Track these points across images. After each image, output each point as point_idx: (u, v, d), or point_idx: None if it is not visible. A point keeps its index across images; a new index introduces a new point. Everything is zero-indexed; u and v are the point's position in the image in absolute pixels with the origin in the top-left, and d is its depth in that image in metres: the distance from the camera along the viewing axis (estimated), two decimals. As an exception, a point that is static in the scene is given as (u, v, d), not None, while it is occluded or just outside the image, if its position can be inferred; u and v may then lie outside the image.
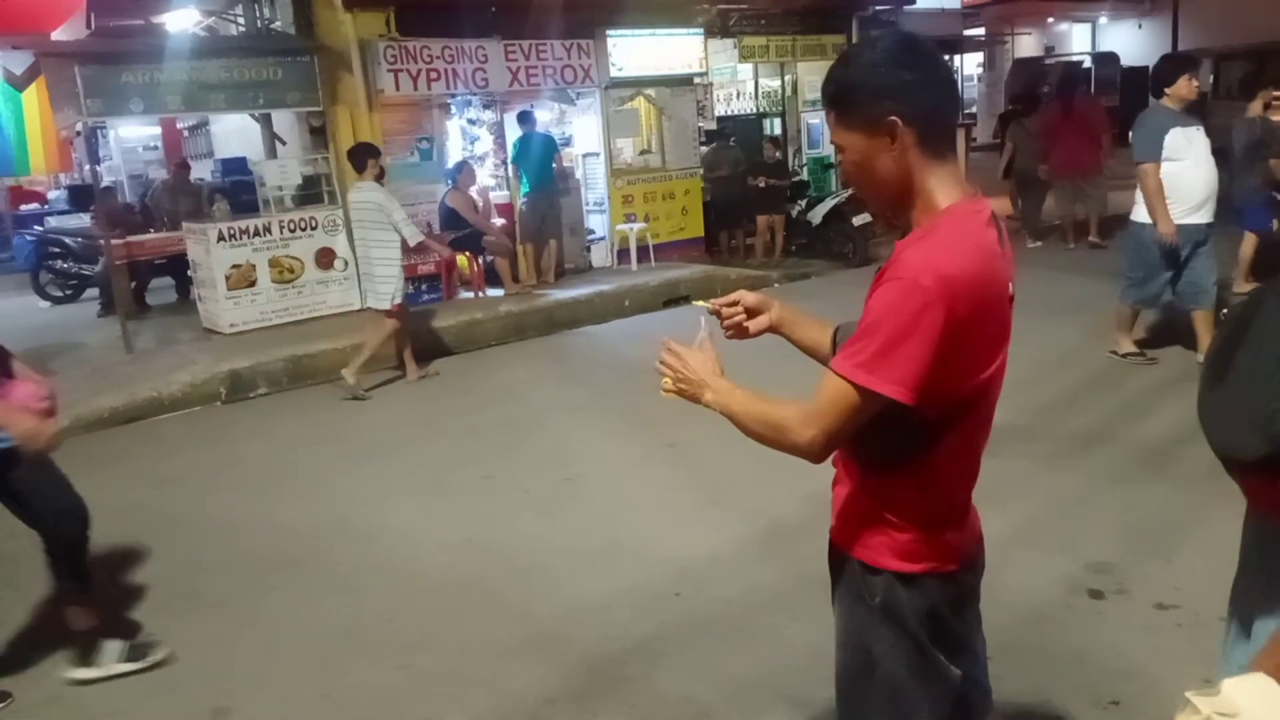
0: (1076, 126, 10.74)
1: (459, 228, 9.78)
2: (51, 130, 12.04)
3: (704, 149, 12.11)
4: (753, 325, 2.03)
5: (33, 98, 13.13)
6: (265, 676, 3.58)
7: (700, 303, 2.00)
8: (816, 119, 13.71)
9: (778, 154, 11.96)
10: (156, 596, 4.28)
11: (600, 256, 11.50)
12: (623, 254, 11.24)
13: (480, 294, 9.99)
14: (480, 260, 10.05)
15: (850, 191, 11.36)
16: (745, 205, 11.72)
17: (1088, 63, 22.50)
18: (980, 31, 22.12)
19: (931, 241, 1.61)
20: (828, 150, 13.50)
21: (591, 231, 11.55)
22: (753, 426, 1.73)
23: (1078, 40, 25.81)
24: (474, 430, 6.34)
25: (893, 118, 1.62)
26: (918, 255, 1.58)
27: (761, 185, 11.45)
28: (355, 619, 3.94)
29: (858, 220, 10.97)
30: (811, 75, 13.57)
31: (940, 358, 1.55)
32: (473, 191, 10.11)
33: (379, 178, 7.60)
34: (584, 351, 8.66)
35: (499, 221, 10.58)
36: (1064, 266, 9.72)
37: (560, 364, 8.17)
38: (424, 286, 9.84)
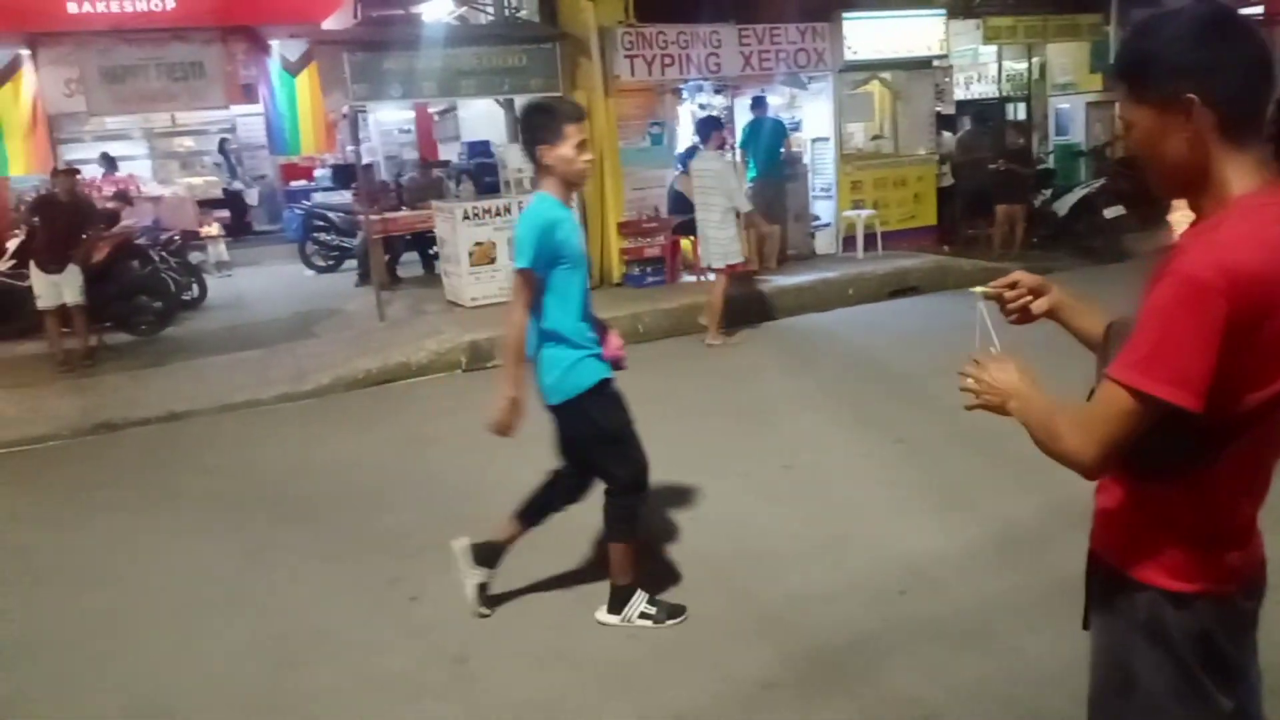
0: None
1: (686, 212, 9.89)
2: (320, 113, 13.16)
3: (947, 135, 11.65)
4: (1035, 306, 1.93)
5: (304, 82, 14.38)
6: (506, 629, 3.79)
7: (979, 289, 1.91)
8: (1066, 103, 12.89)
9: (1020, 140, 11.32)
10: (407, 546, 4.62)
11: (825, 243, 11.33)
12: (849, 241, 11.02)
13: (703, 278, 10.07)
14: (705, 244, 10.15)
15: (1103, 181, 10.62)
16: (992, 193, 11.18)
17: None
18: (1258, 10, 19.99)
19: (1217, 234, 1.48)
20: (1076, 137, 12.69)
21: (817, 218, 11.39)
22: (1039, 434, 1.62)
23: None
24: (698, 412, 6.42)
25: (1190, 96, 1.50)
26: (1199, 248, 1.47)
27: (1001, 168, 10.84)
28: (590, 581, 4.09)
29: (1109, 213, 10.22)
30: (1062, 57, 12.76)
31: (1225, 360, 1.43)
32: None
33: (720, 147, 8.25)
34: (807, 339, 8.58)
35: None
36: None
37: (782, 351, 8.13)
38: (649, 269, 10.04)
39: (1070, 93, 12.85)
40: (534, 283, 3.49)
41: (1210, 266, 1.43)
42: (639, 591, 3.75)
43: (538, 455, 5.78)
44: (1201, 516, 1.61)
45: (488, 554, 3.86)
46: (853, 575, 4.01)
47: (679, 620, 3.72)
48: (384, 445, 6.23)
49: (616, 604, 3.75)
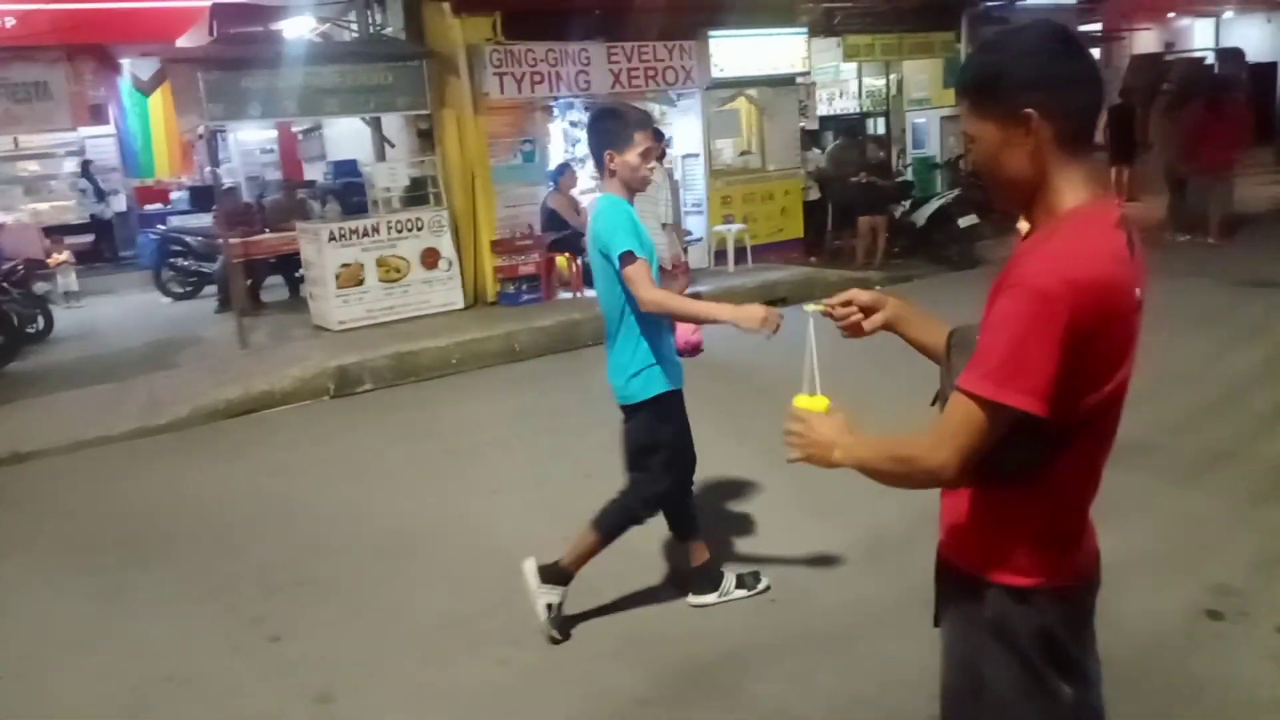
0: (1223, 126, 11.11)
1: (559, 229, 9.90)
2: (176, 134, 12.64)
3: (815, 151, 11.96)
4: (868, 323, 1.98)
5: (158, 103, 13.81)
6: (370, 664, 3.68)
7: (811, 306, 1.95)
8: (923, 118, 13.43)
9: (881, 154, 11.73)
10: (274, 580, 4.44)
11: (697, 258, 11.47)
12: (720, 255, 11.20)
13: (579, 294, 10.08)
14: (579, 261, 10.15)
15: (957, 193, 11.09)
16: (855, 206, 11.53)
17: (1210, 59, 21.47)
18: (1097, 27, 21.29)
19: (1054, 244, 1.55)
20: (933, 150, 13.22)
21: (689, 233, 11.53)
22: (884, 467, 1.67)
23: (1199, 36, 24.65)
24: (574, 429, 6.39)
25: (1029, 110, 1.56)
26: (1040, 259, 1.53)
27: (863, 181, 11.22)
28: (459, 610, 4.02)
29: (964, 222, 10.69)
30: (918, 74, 13.30)
31: (1067, 366, 1.49)
32: (573, 193, 10.22)
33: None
34: (681, 353, 8.64)
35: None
36: (1193, 272, 9.29)
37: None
38: (524, 287, 9.98)
39: (926, 108, 13.40)
40: (643, 267, 3.39)
41: (1052, 277, 1.48)
42: (557, 597, 3.69)
43: (409, 483, 5.71)
44: (1043, 515, 1.66)
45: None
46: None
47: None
48: (247, 478, 5.98)
49: (551, 579, 3.67)
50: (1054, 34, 1.61)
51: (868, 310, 1.97)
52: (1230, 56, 20.44)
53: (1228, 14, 23.78)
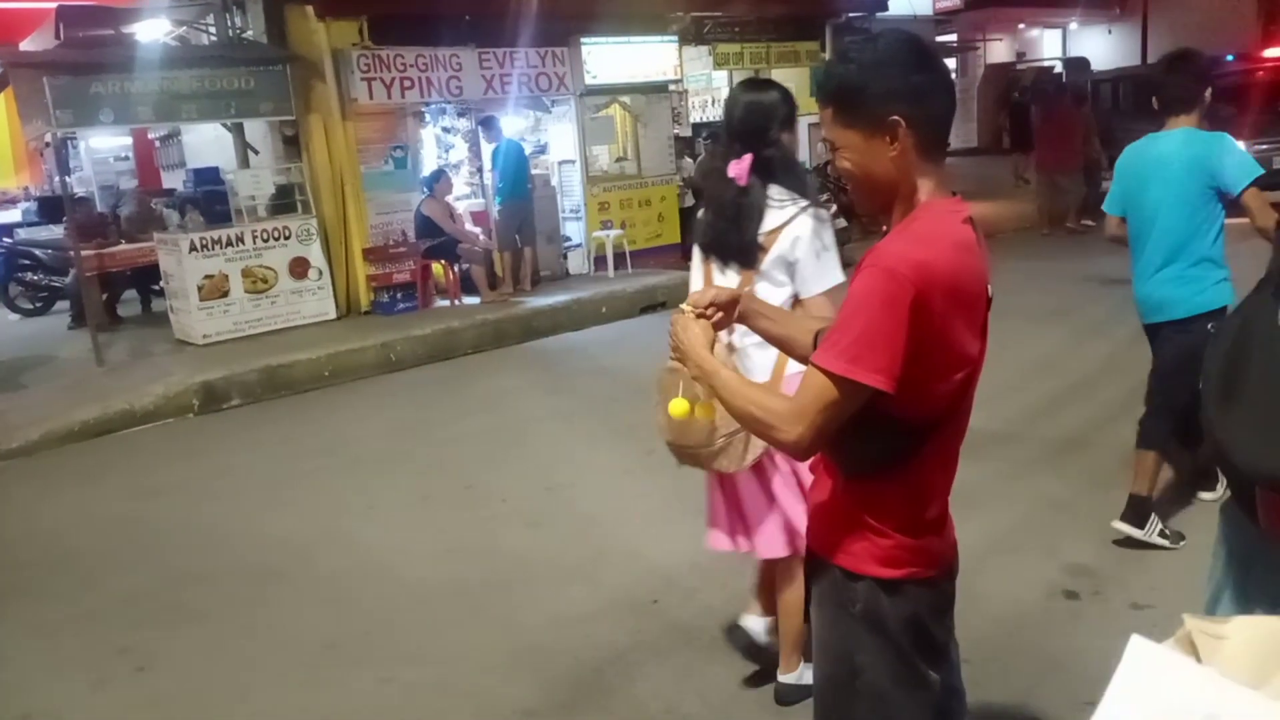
0: (1057, 128, 12.30)
1: (434, 236, 9.75)
2: (20, 141, 11.90)
3: (688, 160, 12.11)
4: (729, 320, 2.02)
5: (0, 109, 13.00)
6: (247, 690, 3.54)
7: (686, 306, 2.01)
8: (792, 125, 13.77)
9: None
10: (135, 611, 4.23)
11: (577, 264, 11.49)
12: (600, 261, 11.23)
13: (456, 302, 9.95)
14: (456, 268, 10.03)
15: (825, 197, 11.41)
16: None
17: (1059, 68, 22.76)
18: (952, 38, 22.31)
19: (908, 232, 1.63)
20: (802, 156, 13.56)
21: (568, 239, 11.53)
22: (740, 408, 1.72)
23: (1048, 46, 26.10)
24: (454, 440, 6.31)
25: (895, 119, 1.62)
26: (894, 245, 1.60)
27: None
28: (338, 631, 3.91)
29: (835, 225, 11.01)
30: (786, 82, 13.58)
31: (916, 346, 1.56)
32: (449, 199, 10.09)
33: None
34: (563, 358, 8.65)
35: (475, 230, 10.55)
36: (1042, 271, 9.81)
37: (539, 372, 8.15)
38: (399, 295, 9.78)
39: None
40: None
41: (902, 260, 1.55)
42: (1154, 516, 3.94)
43: (281, 502, 5.51)
44: (908, 507, 1.73)
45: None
46: (610, 591, 4.05)
47: (1183, 544, 3.92)
48: (106, 502, 5.68)
49: (1135, 517, 3.93)
50: (911, 44, 1.68)
51: (726, 309, 2.01)
52: (1076, 65, 21.72)
53: (1073, 25, 25.25)
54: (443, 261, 9.96)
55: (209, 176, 10.59)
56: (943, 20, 22.30)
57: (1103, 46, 23.82)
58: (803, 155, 13.31)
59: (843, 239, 11.03)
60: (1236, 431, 1.53)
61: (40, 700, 3.57)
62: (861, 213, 1.94)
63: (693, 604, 3.89)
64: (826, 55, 13.32)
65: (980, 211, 1.81)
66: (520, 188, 10.32)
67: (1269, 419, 1.39)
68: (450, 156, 11.44)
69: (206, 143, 11.48)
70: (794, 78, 13.52)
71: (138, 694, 3.58)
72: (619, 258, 11.12)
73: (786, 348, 2.02)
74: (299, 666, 3.68)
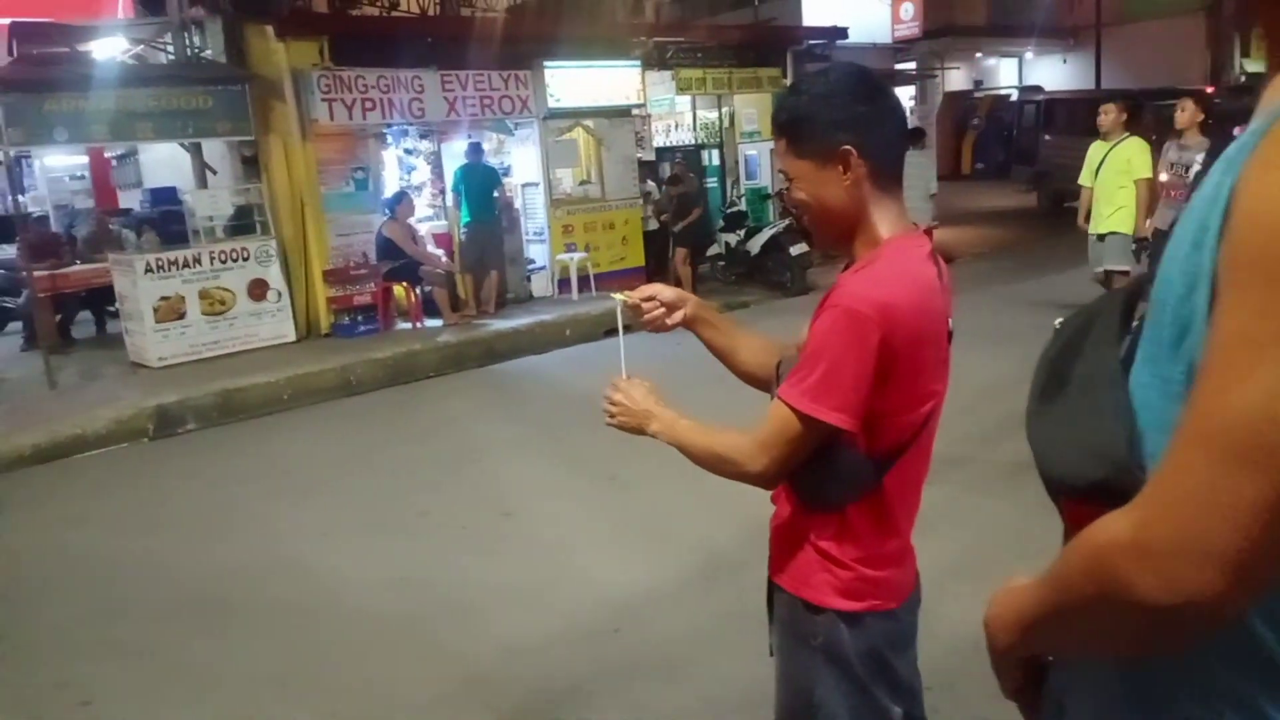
0: None
1: (396, 258, 9.68)
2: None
3: (651, 183, 12.16)
4: (670, 319, 2.00)
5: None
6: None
7: (619, 295, 2.00)
8: (754, 150, 13.89)
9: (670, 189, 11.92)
10: (74, 644, 4.10)
11: (541, 286, 11.46)
12: (564, 284, 11.22)
13: (418, 325, 9.88)
14: (418, 291, 9.96)
15: (788, 222, 11.51)
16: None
17: (1015, 96, 23.18)
18: (911, 66, 22.66)
19: (871, 271, 1.63)
20: (765, 181, 13.69)
21: (531, 261, 11.51)
22: (702, 458, 1.75)
23: (1005, 75, 26.60)
24: (410, 465, 6.23)
25: (847, 148, 1.63)
26: (857, 284, 1.61)
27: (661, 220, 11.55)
28: (284, 664, 3.82)
29: (795, 250, 11.09)
30: (748, 108, 13.75)
31: (879, 384, 1.58)
32: (410, 221, 10.03)
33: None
34: (524, 382, 8.60)
35: (437, 252, 10.49)
36: (995, 295, 9.93)
37: (500, 395, 8.10)
38: (359, 318, 9.69)
39: (757, 140, 13.87)
40: None
41: (867, 301, 1.56)
42: None
43: (231, 529, 5.38)
44: (868, 539, 1.72)
45: None
46: (567, 619, 4.00)
47: None
48: (45, 531, 5.52)
49: None
50: (860, 75, 1.70)
51: (671, 307, 1.99)
52: (1032, 93, 22.17)
53: (1028, 54, 25.77)
54: (404, 283, 9.89)
55: (166, 196, 10.43)
56: (901, 49, 22.65)
57: (1058, 75, 24.33)
58: (765, 181, 13.44)
59: (804, 263, 11.18)
60: (1046, 434, 1.36)
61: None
62: (819, 246, 1.94)
63: (648, 633, 3.85)
64: (788, 81, 13.47)
65: (941, 240, 1.82)
66: (487, 210, 10.29)
67: (1078, 422, 1.26)
68: (412, 178, 11.39)
69: (163, 162, 11.33)
70: (755, 103, 13.70)
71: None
72: (583, 280, 11.11)
73: (727, 360, 2.01)
74: (243, 702, 3.59)
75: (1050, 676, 1.29)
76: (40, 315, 9.17)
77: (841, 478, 1.68)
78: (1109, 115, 7.53)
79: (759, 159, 13.90)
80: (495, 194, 10.54)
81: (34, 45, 9.49)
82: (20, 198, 9.67)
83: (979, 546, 4.38)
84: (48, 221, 12.25)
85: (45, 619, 4.37)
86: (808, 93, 1.68)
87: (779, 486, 1.80)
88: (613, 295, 2.02)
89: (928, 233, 1.75)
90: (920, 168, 8.36)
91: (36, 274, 9.19)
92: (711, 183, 13.29)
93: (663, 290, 1.99)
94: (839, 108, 1.64)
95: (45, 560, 5.08)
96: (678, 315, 2.00)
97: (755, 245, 11.66)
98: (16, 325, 10.99)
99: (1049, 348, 1.20)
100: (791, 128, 1.69)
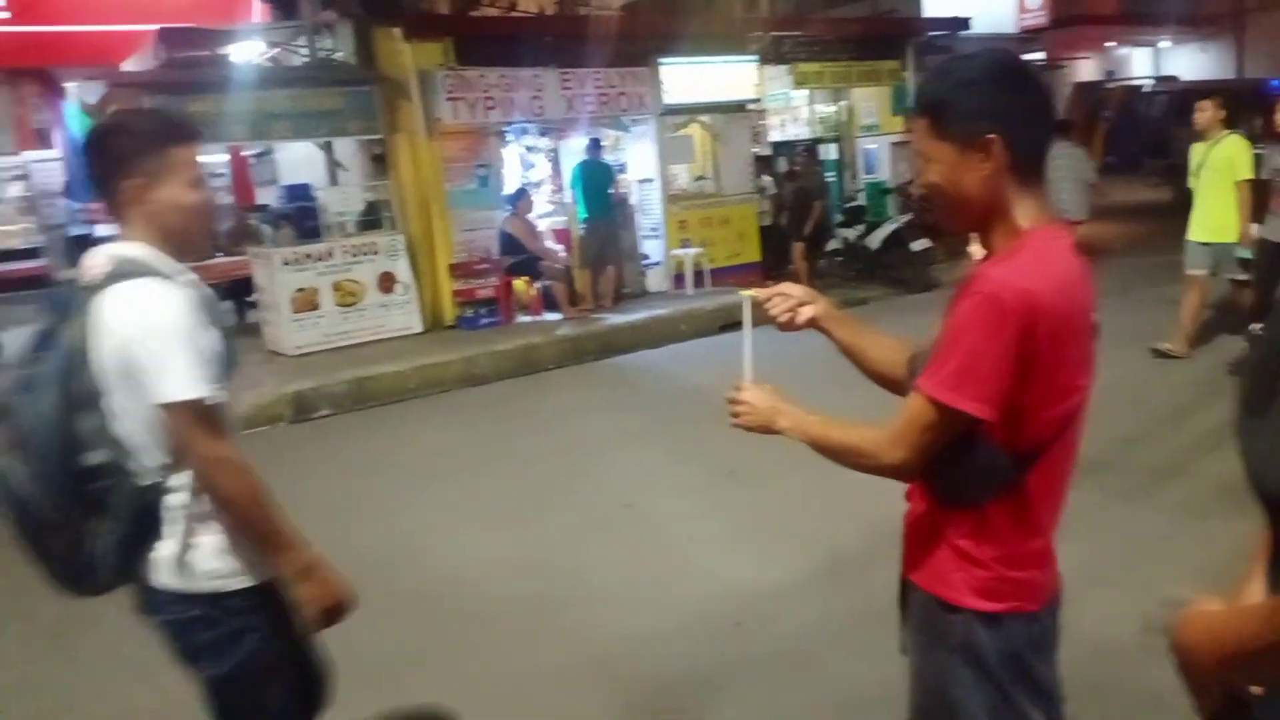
0: None
1: (517, 253, 9.89)
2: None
3: (767, 178, 12.11)
4: (800, 316, 1.98)
5: (106, 127, 13.56)
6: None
7: (746, 292, 1.99)
8: (874, 144, 13.65)
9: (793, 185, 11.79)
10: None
11: (656, 281, 11.53)
12: (679, 279, 11.26)
13: (538, 318, 10.07)
14: (538, 285, 10.15)
15: (909, 217, 11.28)
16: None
17: (1148, 86, 22.13)
18: (1039, 56, 21.87)
19: (1014, 261, 1.60)
20: (884, 175, 13.44)
21: (646, 256, 11.59)
22: (835, 451, 1.74)
23: (1138, 65, 25.41)
24: (532, 455, 6.36)
25: (991, 136, 1.60)
26: (999, 272, 1.58)
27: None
28: (419, 644, 3.95)
29: (917, 245, 10.86)
30: (867, 101, 13.53)
31: (1020, 375, 1.54)
32: (530, 217, 10.24)
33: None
34: (641, 376, 8.68)
35: (556, 247, 10.68)
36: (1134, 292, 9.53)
37: (617, 388, 8.19)
38: (483, 310, 9.94)
39: (876, 134, 13.64)
40: None
41: (1009, 289, 1.53)
42: None
43: (361, 514, 5.59)
44: (1008, 538, 1.68)
45: None
46: (688, 611, 4.02)
47: None
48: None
49: None
50: (1011, 63, 1.67)
51: (800, 304, 1.98)
52: (1166, 84, 21.13)
53: (1164, 43, 24.56)
54: (525, 278, 10.10)
55: (300, 193, 10.91)
56: (1027, 38, 21.88)
57: (1197, 65, 23.10)
58: (883, 175, 13.20)
59: (927, 259, 10.94)
60: (1261, 446, 1.37)
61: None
62: (945, 230, 1.90)
63: (771, 629, 3.85)
64: (909, 74, 13.19)
65: (1086, 234, 1.77)
66: (605, 206, 10.42)
67: None
68: (531, 175, 11.61)
69: (297, 160, 11.84)
70: (874, 97, 13.46)
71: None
72: (698, 276, 11.13)
73: (857, 358, 1.99)
74: (373, 683, 3.72)
75: (1258, 709, 1.23)
76: (186, 305, 9.69)
77: (979, 474, 1.65)
78: (1205, 113, 6.96)
79: (878, 153, 13.65)
80: (611, 190, 10.66)
81: (179, 50, 10.04)
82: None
83: (1119, 552, 4.22)
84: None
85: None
86: (957, 75, 1.65)
87: (913, 483, 1.78)
88: (740, 292, 2.01)
89: (1069, 226, 1.71)
90: (1074, 159, 7.98)
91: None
92: (829, 177, 13.12)
93: (792, 288, 1.98)
94: (986, 94, 1.61)
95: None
96: (807, 312, 1.98)
97: (875, 240, 11.47)
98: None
99: (1251, 356, 1.15)
100: (935, 109, 1.66)
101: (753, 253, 11.89)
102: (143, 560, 2.02)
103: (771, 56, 12.23)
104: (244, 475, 2.03)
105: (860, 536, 4.44)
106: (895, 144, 13.20)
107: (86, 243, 15.02)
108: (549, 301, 10.17)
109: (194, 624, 2.04)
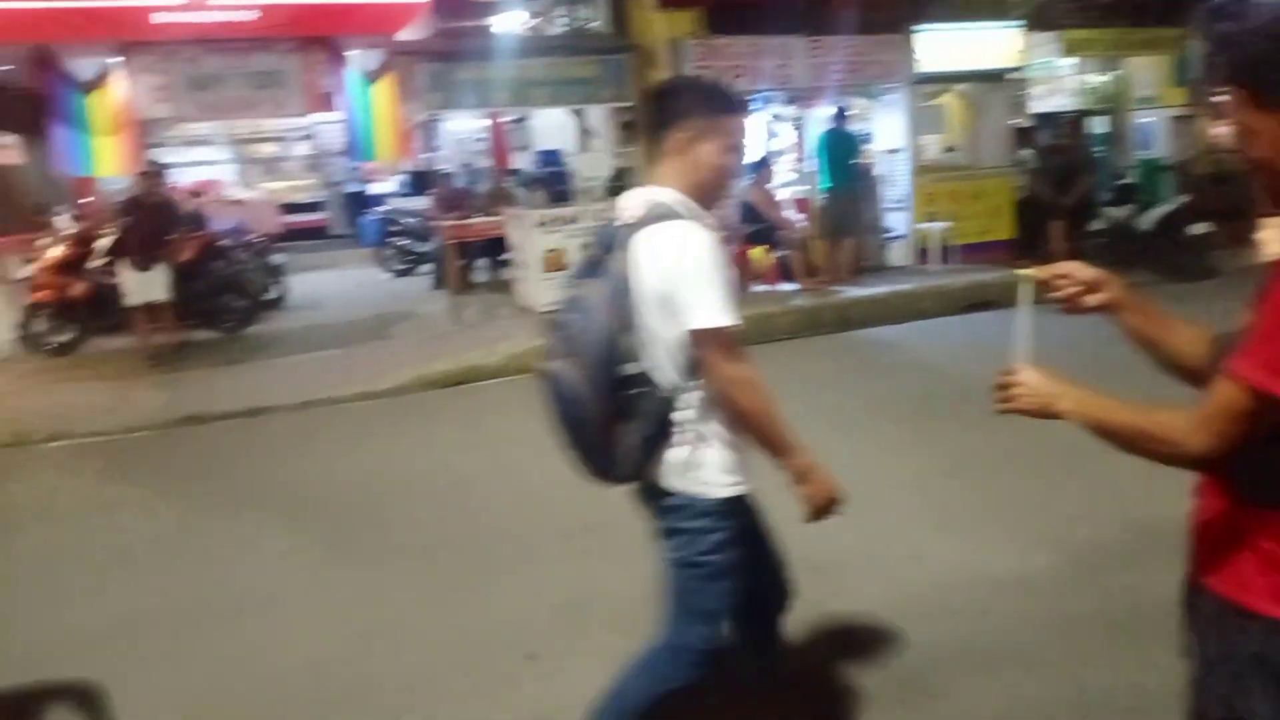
0: None
1: (756, 222, 9.91)
2: (398, 120, 13.44)
3: (1030, 151, 11.47)
4: (1090, 300, 1.85)
5: (381, 91, 14.74)
6: (572, 632, 3.82)
7: (1026, 271, 1.87)
8: (1150, 117, 12.59)
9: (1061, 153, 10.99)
10: (504, 547, 4.67)
11: (898, 255, 11.21)
12: (923, 254, 10.90)
13: (774, 288, 10.06)
14: (775, 254, 10.13)
15: (1189, 197, 10.34)
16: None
17: None
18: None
19: None
20: (1159, 151, 12.38)
21: (889, 229, 11.29)
22: (1125, 435, 1.62)
23: None
24: (796, 417, 6.35)
25: None
26: None
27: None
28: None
29: (1196, 229, 9.93)
30: (1143, 71, 12.47)
31: None
32: (769, 187, 10.21)
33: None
34: (879, 351, 8.50)
35: (797, 217, 10.60)
36: None
37: (853, 363, 8.07)
38: (719, 278, 10.03)
39: (1152, 106, 12.56)
40: None
41: None
42: None
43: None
44: None
45: None
46: (918, 596, 3.94)
47: None
48: (471, 446, 6.29)
49: None
50: None
51: (1090, 287, 1.85)
52: None
53: None
54: (763, 246, 10.11)
55: (552, 158, 11.43)
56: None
57: None
58: (1162, 151, 12.18)
59: (1208, 244, 9.97)
60: None
61: (399, 613, 4.04)
62: (1275, 211, 1.71)
63: (1018, 621, 3.69)
64: (1193, 43, 12.03)
65: None
66: (848, 177, 10.24)
67: None
68: (775, 144, 11.55)
69: (549, 126, 12.38)
70: (1151, 66, 12.40)
71: (479, 619, 3.97)
72: (944, 252, 10.73)
73: (1155, 348, 1.84)
74: (618, 616, 3.88)
75: None
76: (448, 260, 10.42)
77: None
78: None
79: (1155, 127, 12.58)
80: (855, 160, 10.44)
81: (450, 19, 10.70)
82: (434, 155, 11.02)
83: None
84: (453, 178, 13.89)
85: (474, 526, 5.00)
86: (1272, 30, 1.44)
87: (1211, 476, 1.64)
88: (1017, 271, 1.88)
89: None
90: None
91: (445, 224, 10.45)
92: (1097, 152, 12.23)
93: (1079, 269, 1.85)
94: None
95: (468, 472, 5.78)
96: (1100, 296, 1.85)
97: (1148, 222, 10.55)
98: (427, 267, 12.61)
99: None
100: (1253, 73, 1.47)
101: (1005, 229, 11.30)
102: (656, 461, 2.38)
103: (1038, 22, 11.50)
104: (759, 391, 2.36)
105: (1119, 535, 4.19)
106: (1176, 118, 12.11)
107: (360, 199, 16.55)
108: (785, 271, 10.12)
109: (680, 513, 2.41)
